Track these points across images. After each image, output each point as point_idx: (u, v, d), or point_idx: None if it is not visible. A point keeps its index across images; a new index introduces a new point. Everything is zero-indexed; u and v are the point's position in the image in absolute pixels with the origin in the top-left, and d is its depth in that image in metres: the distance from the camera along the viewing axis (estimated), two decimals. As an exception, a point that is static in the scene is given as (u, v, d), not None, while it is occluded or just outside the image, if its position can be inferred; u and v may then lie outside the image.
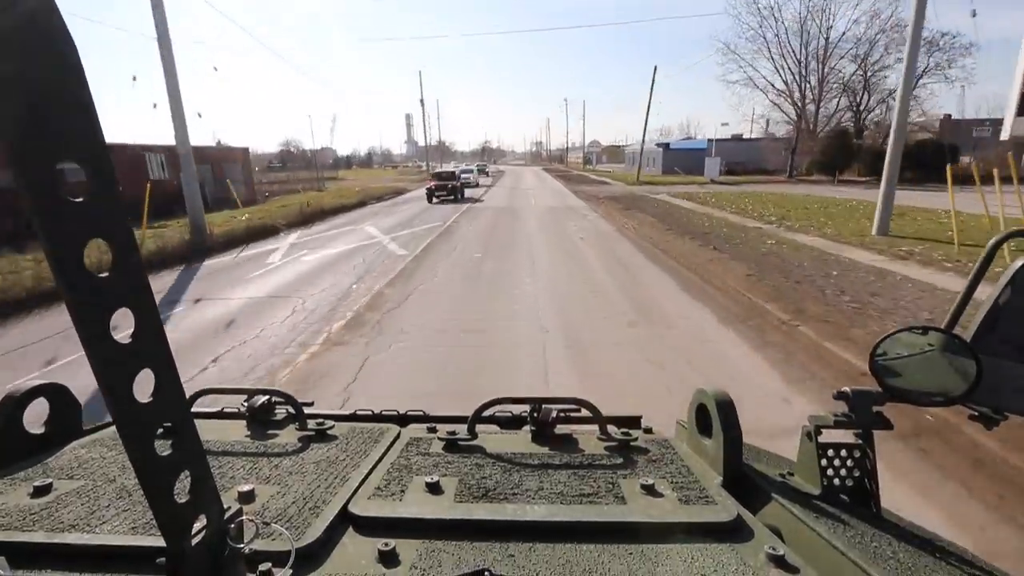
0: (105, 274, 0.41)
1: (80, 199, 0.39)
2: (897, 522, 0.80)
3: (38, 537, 0.65)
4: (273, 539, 0.64)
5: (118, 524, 0.68)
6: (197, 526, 0.52)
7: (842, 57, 36.76)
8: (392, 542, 0.64)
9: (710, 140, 55.24)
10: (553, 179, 46.27)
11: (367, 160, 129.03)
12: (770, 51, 40.09)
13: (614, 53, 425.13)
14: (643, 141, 37.95)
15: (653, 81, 33.60)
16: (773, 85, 40.68)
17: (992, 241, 0.91)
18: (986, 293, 0.93)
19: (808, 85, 40.31)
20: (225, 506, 0.56)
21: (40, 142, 0.36)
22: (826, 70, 37.75)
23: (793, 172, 37.71)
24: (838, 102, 37.88)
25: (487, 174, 49.82)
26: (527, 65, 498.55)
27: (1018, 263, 0.88)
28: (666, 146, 63.03)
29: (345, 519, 0.71)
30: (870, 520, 0.77)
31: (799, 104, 39.78)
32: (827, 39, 37.36)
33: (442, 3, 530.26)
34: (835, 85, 37.68)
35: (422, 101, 48.11)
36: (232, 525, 0.57)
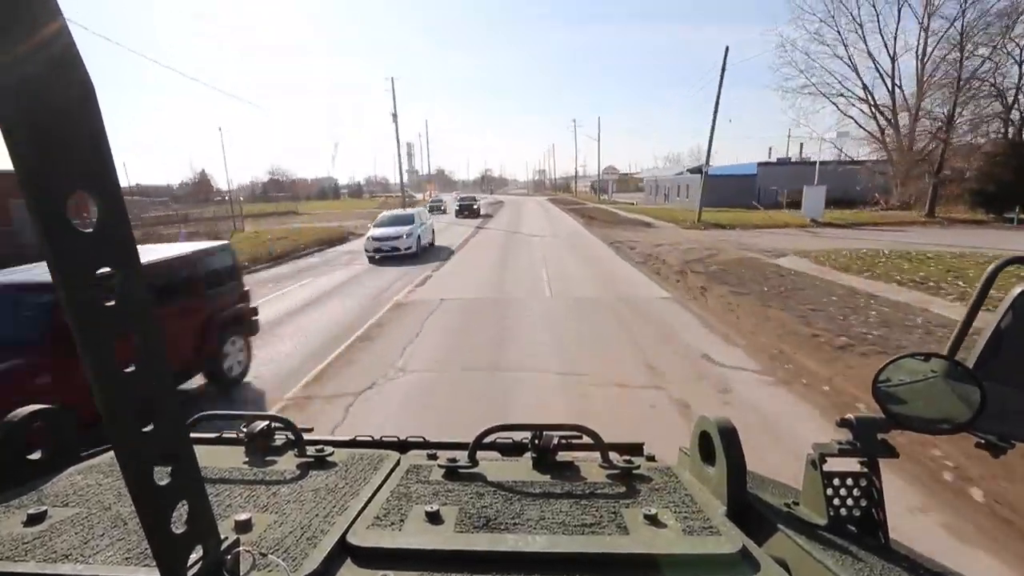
0: (112, 303, 0.43)
1: (90, 230, 0.40)
2: (907, 554, 0.78)
3: (30, 568, 0.63)
4: (270, 571, 0.62)
5: (112, 554, 0.66)
6: (193, 557, 0.52)
7: (963, 38, 25.23)
8: (391, 574, 0.63)
9: (760, 164, 43.96)
10: (566, 215, 33.81)
11: (358, 190, 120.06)
12: (844, 45, 29.11)
13: (618, 80, 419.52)
14: (707, 160, 26.02)
15: (723, 69, 22.32)
16: (847, 94, 29.55)
17: (992, 267, 0.90)
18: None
19: (899, 87, 29.35)
20: (222, 536, 0.56)
21: (52, 173, 0.37)
22: (931, 67, 26.36)
23: (925, 207, 25.75)
24: (952, 108, 26.28)
25: (476, 213, 33.91)
26: (530, 92, 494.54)
27: (1018, 289, 0.87)
28: (700, 171, 51.97)
29: (343, 550, 0.69)
30: (878, 552, 0.75)
31: (888, 117, 28.46)
32: (927, 19, 26.23)
33: (447, 27, 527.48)
34: (947, 83, 26.08)
35: (394, 115, 36.88)
36: (229, 556, 0.57)
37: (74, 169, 0.39)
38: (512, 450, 1.05)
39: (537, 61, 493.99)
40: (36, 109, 0.36)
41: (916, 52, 27.35)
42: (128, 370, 0.44)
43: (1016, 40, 24.34)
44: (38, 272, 3.94)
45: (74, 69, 0.38)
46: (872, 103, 30.42)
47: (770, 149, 76.55)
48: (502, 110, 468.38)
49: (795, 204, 30.75)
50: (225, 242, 6.49)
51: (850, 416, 0.83)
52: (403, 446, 1.08)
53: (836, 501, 0.80)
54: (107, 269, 0.43)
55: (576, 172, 79.35)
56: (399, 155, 37.47)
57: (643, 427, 4.27)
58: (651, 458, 1.01)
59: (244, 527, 0.71)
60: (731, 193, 41.06)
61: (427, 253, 16.53)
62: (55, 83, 0.37)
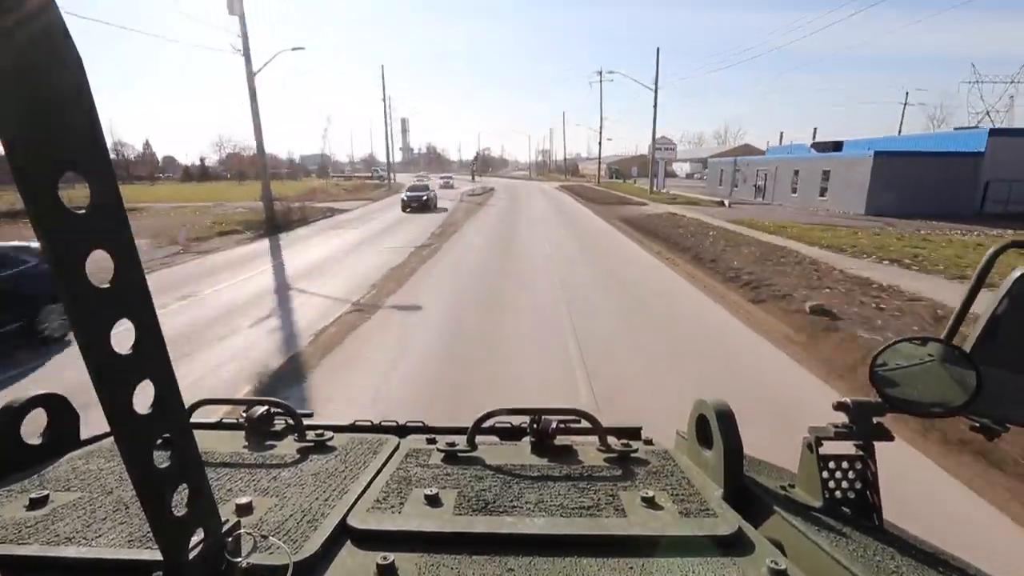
0: (107, 284, 0.42)
1: (82, 210, 0.40)
2: (900, 535, 0.78)
3: (33, 550, 0.64)
4: (271, 553, 0.62)
5: (115, 537, 0.66)
6: (194, 540, 0.52)
7: None
8: (391, 556, 0.63)
9: (993, 131, 22.88)
10: (648, 259, 11.55)
11: (324, 169, 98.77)
12: None
13: (629, 60, 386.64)
14: None
15: None
16: None
17: (990, 251, 0.89)
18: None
19: None
20: (223, 519, 0.56)
21: (43, 153, 0.37)
22: None
23: None
24: None
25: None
26: (533, 65, 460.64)
27: (1016, 273, 0.86)
28: (839, 146, 30.19)
29: (344, 532, 0.69)
30: (872, 533, 0.75)
31: None
32: None
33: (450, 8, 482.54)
34: None
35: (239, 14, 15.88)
36: (230, 539, 0.57)
37: (65, 148, 0.38)
38: (510, 434, 1.06)
39: (543, 41, 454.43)
40: (25, 87, 0.35)
41: None
42: (125, 353, 0.43)
43: None
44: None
45: (63, 45, 0.36)
46: None
47: (781, 134, 59.23)
48: (505, 93, 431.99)
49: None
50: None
51: (846, 400, 0.83)
52: (402, 430, 1.09)
53: (831, 484, 0.81)
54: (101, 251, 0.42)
55: (600, 147, 55.46)
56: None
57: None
58: (648, 442, 1.03)
59: (245, 510, 0.71)
60: (930, 186, 19.16)
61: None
62: (44, 60, 0.35)
